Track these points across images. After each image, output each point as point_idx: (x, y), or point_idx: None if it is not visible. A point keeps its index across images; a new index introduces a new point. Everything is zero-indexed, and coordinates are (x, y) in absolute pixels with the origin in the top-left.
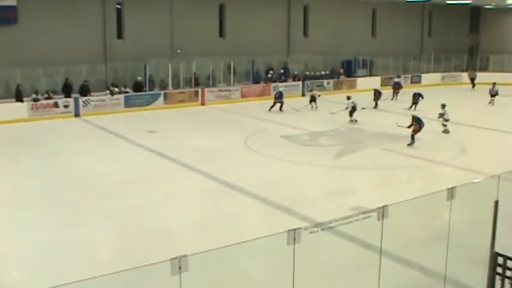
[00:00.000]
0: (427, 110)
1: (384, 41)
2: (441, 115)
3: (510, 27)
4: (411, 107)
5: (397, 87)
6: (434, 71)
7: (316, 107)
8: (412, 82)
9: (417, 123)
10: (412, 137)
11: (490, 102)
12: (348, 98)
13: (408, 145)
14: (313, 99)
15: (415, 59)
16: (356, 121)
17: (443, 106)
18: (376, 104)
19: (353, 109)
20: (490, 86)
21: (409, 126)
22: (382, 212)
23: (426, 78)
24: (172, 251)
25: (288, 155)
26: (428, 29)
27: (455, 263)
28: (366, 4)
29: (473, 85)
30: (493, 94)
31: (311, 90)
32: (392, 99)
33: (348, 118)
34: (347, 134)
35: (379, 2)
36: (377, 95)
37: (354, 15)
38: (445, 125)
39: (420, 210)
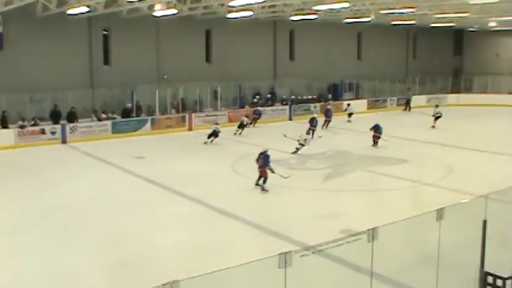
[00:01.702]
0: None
1: (369, 64)
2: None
3: (492, 50)
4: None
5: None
6: (420, 93)
7: (240, 134)
8: (398, 104)
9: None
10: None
11: (432, 126)
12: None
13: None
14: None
15: (400, 81)
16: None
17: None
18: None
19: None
20: (434, 108)
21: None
22: (372, 233)
23: (412, 100)
24: (163, 277)
25: (276, 179)
26: (413, 52)
27: (445, 284)
28: (351, 28)
29: (409, 108)
30: (437, 116)
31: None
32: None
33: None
34: (334, 158)
35: (365, 26)
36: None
37: (340, 39)
38: (298, 148)
39: (410, 231)
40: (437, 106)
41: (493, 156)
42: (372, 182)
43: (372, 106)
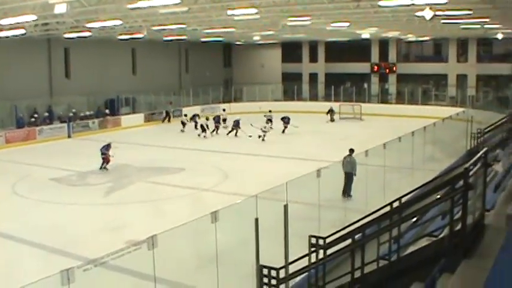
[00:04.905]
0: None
1: (145, 78)
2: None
3: (258, 61)
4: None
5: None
6: (194, 104)
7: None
8: (173, 116)
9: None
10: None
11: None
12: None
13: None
14: None
15: (175, 94)
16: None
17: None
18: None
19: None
20: (267, 114)
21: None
22: (152, 241)
23: (187, 111)
24: None
25: (58, 197)
26: (186, 65)
27: (226, 280)
28: (125, 44)
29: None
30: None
31: None
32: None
33: None
34: (114, 171)
35: (138, 42)
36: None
37: (115, 55)
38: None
39: (189, 235)
40: (270, 111)
41: (265, 159)
42: (153, 192)
43: (148, 119)
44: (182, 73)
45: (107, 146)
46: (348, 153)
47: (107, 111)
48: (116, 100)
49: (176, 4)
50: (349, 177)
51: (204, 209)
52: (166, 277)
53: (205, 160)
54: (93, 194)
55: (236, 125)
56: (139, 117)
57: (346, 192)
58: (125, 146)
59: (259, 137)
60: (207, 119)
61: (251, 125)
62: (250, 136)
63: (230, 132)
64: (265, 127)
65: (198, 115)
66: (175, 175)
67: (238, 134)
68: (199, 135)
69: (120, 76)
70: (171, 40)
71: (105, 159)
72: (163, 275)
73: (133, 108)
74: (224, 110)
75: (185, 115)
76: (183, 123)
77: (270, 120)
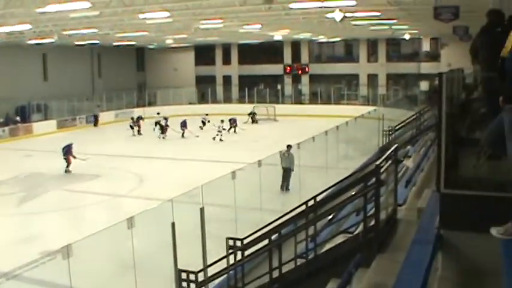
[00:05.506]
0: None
1: (56, 84)
2: None
3: (171, 65)
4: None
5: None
6: (108, 110)
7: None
8: (87, 122)
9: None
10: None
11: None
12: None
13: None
14: None
15: (88, 99)
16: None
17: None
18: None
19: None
20: (203, 116)
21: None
22: (67, 251)
23: (100, 117)
24: None
25: None
26: (99, 70)
27: (146, 287)
28: (35, 49)
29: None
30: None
31: None
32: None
33: None
34: (27, 180)
35: (50, 47)
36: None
37: (25, 60)
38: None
39: (105, 243)
40: (207, 114)
41: (182, 162)
42: (68, 200)
43: (61, 126)
44: (95, 78)
45: (68, 147)
46: (286, 148)
47: (18, 118)
48: (27, 107)
49: (87, 8)
50: (287, 172)
51: (120, 215)
52: (84, 287)
53: (121, 166)
54: (5, 204)
55: (183, 125)
56: (51, 124)
57: (285, 186)
58: (38, 153)
59: (220, 139)
60: (165, 118)
61: (213, 125)
62: (197, 136)
63: (183, 134)
64: (219, 127)
65: (141, 117)
66: (91, 182)
67: (185, 134)
68: (163, 137)
69: (31, 82)
70: (83, 45)
71: (67, 161)
72: (80, 284)
73: (45, 114)
74: (158, 113)
75: (132, 118)
76: (132, 127)
77: (204, 123)
